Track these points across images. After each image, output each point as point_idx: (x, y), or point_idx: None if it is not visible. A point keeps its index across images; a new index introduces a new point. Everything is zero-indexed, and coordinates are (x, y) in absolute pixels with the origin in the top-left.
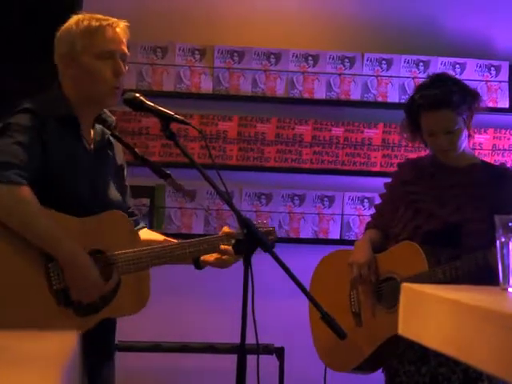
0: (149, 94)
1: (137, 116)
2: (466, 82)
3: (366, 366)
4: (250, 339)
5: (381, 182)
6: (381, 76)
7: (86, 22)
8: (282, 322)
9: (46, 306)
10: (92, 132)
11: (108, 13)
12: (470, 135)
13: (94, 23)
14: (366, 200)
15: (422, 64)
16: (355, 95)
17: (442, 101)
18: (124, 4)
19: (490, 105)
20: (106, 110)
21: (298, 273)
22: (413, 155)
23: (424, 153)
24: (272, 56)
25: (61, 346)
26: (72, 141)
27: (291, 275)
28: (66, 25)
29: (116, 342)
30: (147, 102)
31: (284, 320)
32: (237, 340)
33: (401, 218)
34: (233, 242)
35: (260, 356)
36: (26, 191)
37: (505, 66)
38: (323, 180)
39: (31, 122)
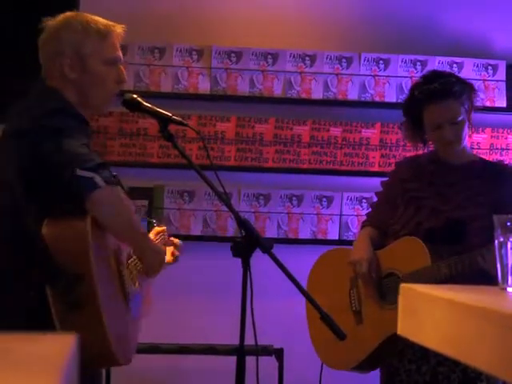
0: (146, 95)
1: (134, 117)
2: None
3: (366, 365)
4: (250, 340)
5: (379, 181)
6: (378, 76)
7: (93, 25)
8: (281, 323)
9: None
10: None
11: (106, 14)
12: (469, 132)
13: (103, 27)
14: (364, 200)
15: (419, 63)
16: (353, 95)
17: (445, 91)
18: (121, 5)
19: (488, 104)
20: None
21: (297, 273)
22: (411, 154)
23: (421, 151)
24: (269, 56)
25: (59, 348)
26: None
27: (290, 276)
28: (63, 22)
29: None
30: (145, 103)
31: (283, 321)
32: (236, 341)
33: (401, 216)
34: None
35: (259, 357)
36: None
37: (502, 65)
38: (321, 180)
39: (74, 121)
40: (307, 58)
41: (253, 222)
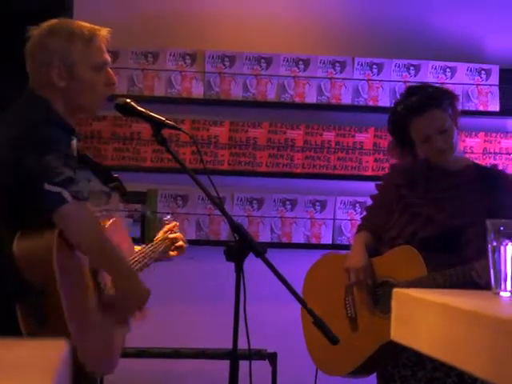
0: (140, 100)
1: (128, 121)
2: (457, 85)
3: (361, 371)
4: (243, 345)
5: (373, 186)
6: (372, 80)
7: (78, 31)
8: (274, 327)
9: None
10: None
11: (99, 19)
12: (459, 137)
13: (87, 32)
14: (357, 204)
15: (412, 68)
16: (346, 99)
17: (426, 102)
18: (115, 10)
19: (481, 108)
20: None
21: (290, 278)
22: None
23: None
24: (263, 60)
25: (52, 353)
26: (70, 149)
27: (283, 280)
28: (48, 31)
29: None
30: (138, 108)
31: (276, 325)
32: (229, 345)
33: (396, 223)
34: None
35: (253, 361)
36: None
37: (495, 69)
38: (315, 184)
39: (59, 134)
40: (301, 63)
41: (246, 226)
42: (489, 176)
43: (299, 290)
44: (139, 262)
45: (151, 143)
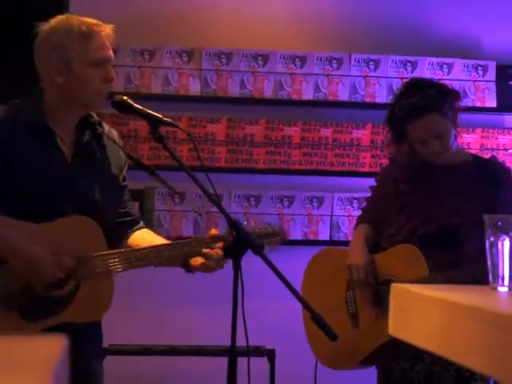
0: (137, 97)
1: (125, 119)
2: (453, 82)
3: (364, 364)
4: (241, 341)
5: (370, 182)
6: (368, 77)
7: (76, 27)
8: (272, 323)
9: None
10: (73, 136)
11: (95, 16)
12: (457, 133)
13: (86, 28)
14: (355, 201)
15: (409, 64)
16: (343, 96)
17: (424, 106)
18: (111, 7)
19: (478, 104)
20: (92, 114)
21: (288, 274)
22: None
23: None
24: (260, 58)
25: (50, 350)
26: (43, 144)
27: (281, 277)
28: (51, 27)
29: (106, 345)
30: (135, 105)
31: (275, 322)
32: (227, 342)
33: (395, 220)
34: (216, 245)
35: (251, 358)
36: None
37: (492, 65)
38: (312, 181)
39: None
40: (297, 59)
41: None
42: (488, 171)
43: (297, 287)
44: (127, 259)
45: (148, 140)
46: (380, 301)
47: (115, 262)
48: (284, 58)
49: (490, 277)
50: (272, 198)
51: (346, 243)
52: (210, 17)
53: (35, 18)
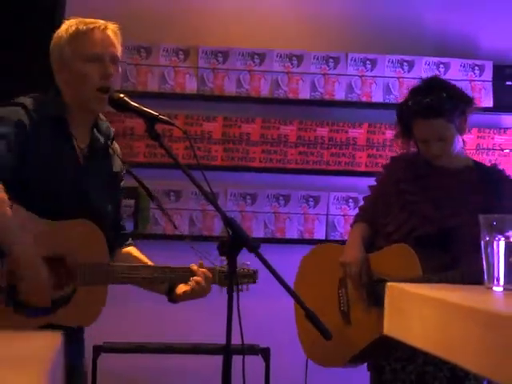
0: (133, 95)
1: (121, 117)
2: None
3: (355, 361)
4: (236, 340)
5: (366, 181)
6: (365, 76)
7: (73, 27)
8: (267, 322)
9: None
10: (88, 136)
11: (92, 14)
12: (462, 135)
13: (82, 27)
14: (351, 200)
15: (406, 64)
16: (339, 95)
17: (434, 110)
18: (107, 4)
19: (474, 104)
20: (107, 124)
21: (284, 273)
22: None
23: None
24: (256, 56)
25: (45, 345)
26: (59, 140)
27: (276, 275)
28: (58, 31)
29: (101, 343)
30: (131, 103)
31: (270, 320)
32: (222, 341)
33: (394, 218)
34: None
35: (246, 356)
36: None
37: (488, 65)
38: (308, 180)
39: (19, 116)
40: (294, 58)
41: (239, 221)
42: (488, 177)
43: (292, 285)
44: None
45: (144, 138)
46: (373, 299)
47: (119, 274)
48: (280, 56)
49: (485, 277)
50: (268, 196)
51: (341, 242)
52: (206, 15)
53: (33, 18)
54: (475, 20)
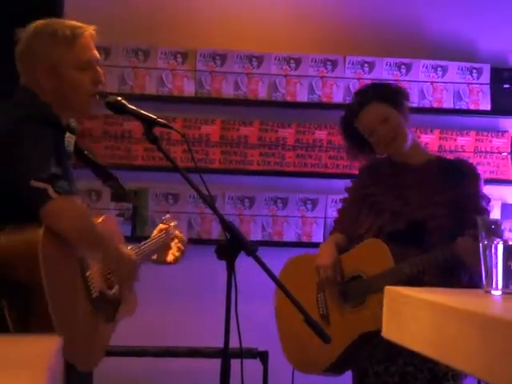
0: (131, 98)
1: (119, 120)
2: (448, 84)
3: (337, 368)
4: (234, 343)
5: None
6: (363, 79)
7: (60, 31)
8: (265, 325)
9: (87, 316)
10: None
11: (90, 16)
12: (410, 129)
13: (69, 32)
14: None
15: (403, 67)
16: (337, 98)
17: (365, 99)
18: (106, 7)
19: (472, 107)
20: None
21: None
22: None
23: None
24: (254, 59)
25: (44, 349)
26: (61, 146)
27: (275, 279)
28: (33, 33)
29: None
30: (129, 106)
31: (268, 324)
32: (220, 344)
33: (364, 220)
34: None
35: (244, 360)
36: (78, 200)
37: (486, 68)
38: (306, 183)
39: (43, 130)
40: (292, 61)
41: (237, 224)
42: (452, 167)
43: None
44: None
45: (142, 141)
46: (349, 298)
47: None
48: (278, 59)
49: (484, 280)
50: (266, 199)
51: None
52: (204, 18)
53: (30, 17)
54: (473, 23)
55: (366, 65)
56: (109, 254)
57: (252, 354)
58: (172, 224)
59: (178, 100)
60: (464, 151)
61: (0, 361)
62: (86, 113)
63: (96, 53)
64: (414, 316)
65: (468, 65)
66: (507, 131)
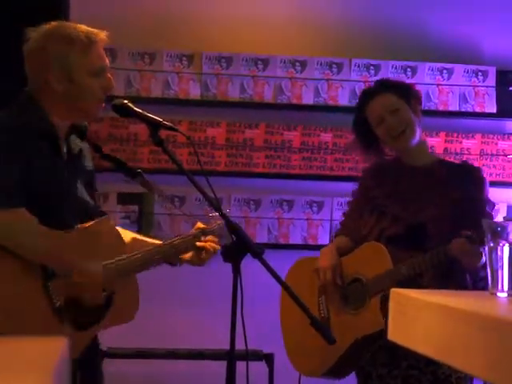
0: (137, 101)
1: (125, 122)
2: (453, 87)
3: (337, 371)
4: (240, 345)
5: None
6: (369, 81)
7: (76, 37)
8: (271, 328)
9: (48, 325)
10: (65, 144)
11: (95, 19)
12: (420, 125)
13: (85, 38)
14: None
15: (409, 70)
16: (343, 101)
17: (378, 87)
18: (112, 10)
19: (478, 110)
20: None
21: None
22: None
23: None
24: (260, 62)
25: (50, 350)
26: (51, 154)
27: (280, 281)
28: (48, 35)
29: (105, 348)
30: (135, 109)
31: (273, 326)
32: (226, 346)
33: (366, 223)
34: (206, 238)
35: (250, 362)
36: (22, 213)
37: (492, 71)
38: (312, 185)
39: (9, 138)
40: (298, 64)
41: (243, 227)
42: (458, 170)
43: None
44: (139, 260)
45: (148, 144)
46: (349, 300)
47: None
48: (284, 62)
49: (490, 282)
50: (272, 202)
51: None
52: (210, 21)
53: (35, 18)
54: (479, 25)
55: (371, 67)
56: (61, 269)
57: (258, 356)
58: (214, 225)
59: (184, 103)
60: (470, 154)
61: (5, 362)
62: (94, 117)
63: (107, 60)
64: (420, 319)
65: (474, 67)
66: None
